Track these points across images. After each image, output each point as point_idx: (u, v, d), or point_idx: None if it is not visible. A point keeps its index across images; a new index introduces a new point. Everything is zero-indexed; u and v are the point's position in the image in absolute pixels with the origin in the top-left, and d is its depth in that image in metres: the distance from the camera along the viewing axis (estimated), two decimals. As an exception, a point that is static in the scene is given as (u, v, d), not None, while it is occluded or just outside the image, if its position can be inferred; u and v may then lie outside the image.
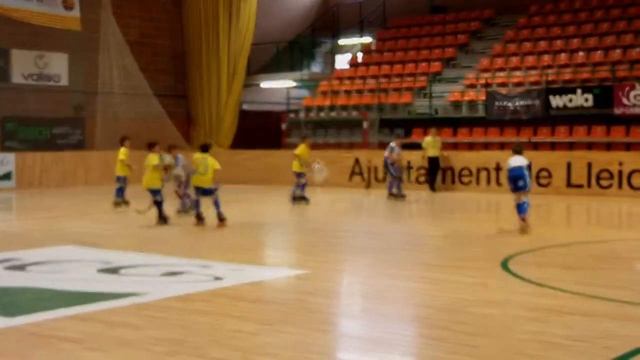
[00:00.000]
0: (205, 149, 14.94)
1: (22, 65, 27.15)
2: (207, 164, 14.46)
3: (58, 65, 28.03)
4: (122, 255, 11.32)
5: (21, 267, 10.29)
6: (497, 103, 25.03)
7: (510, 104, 24.75)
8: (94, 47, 27.90)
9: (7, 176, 25.15)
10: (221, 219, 14.45)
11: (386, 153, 20.77)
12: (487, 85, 26.03)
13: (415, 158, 23.48)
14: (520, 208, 13.43)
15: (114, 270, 10.00)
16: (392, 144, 20.82)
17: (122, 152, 18.30)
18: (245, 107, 32.70)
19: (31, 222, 16.47)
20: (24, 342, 6.59)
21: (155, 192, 15.09)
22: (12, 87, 26.91)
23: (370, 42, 33.36)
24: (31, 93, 27.37)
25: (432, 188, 23.26)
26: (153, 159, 15.32)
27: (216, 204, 14.48)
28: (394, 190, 20.57)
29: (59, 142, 27.85)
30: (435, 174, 23.38)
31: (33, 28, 26.23)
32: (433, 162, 23.26)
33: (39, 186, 25.56)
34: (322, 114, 28.54)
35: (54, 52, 27.80)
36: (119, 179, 18.18)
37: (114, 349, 6.40)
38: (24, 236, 14.15)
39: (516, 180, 13.37)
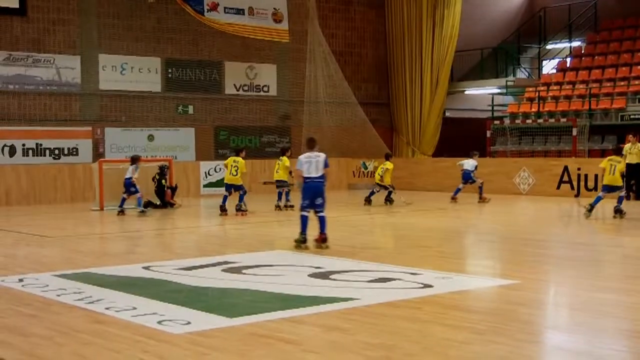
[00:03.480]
0: (237, 153, 19.31)
1: (234, 76, 28.51)
2: (238, 167, 18.76)
3: (267, 75, 29.20)
4: (332, 261, 11.58)
5: (238, 270, 10.78)
6: None
7: None
8: (301, 58, 28.80)
9: (220, 182, 26.33)
10: (240, 210, 18.96)
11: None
12: None
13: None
14: None
15: (324, 275, 10.26)
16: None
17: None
18: (448, 114, 32.58)
19: (243, 227, 17.20)
20: (245, 342, 6.90)
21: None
22: (225, 98, 28.30)
23: (580, 46, 32.24)
24: (242, 103, 28.68)
25: (628, 197, 22.28)
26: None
27: (240, 198, 19.04)
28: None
29: (267, 150, 28.92)
30: (637, 182, 22.31)
31: (244, 40, 27.50)
32: (633, 169, 22.22)
33: (249, 192, 26.59)
34: (528, 121, 27.86)
35: (264, 63, 28.95)
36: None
37: (328, 352, 6.56)
38: (238, 240, 14.82)
39: None
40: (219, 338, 7.02)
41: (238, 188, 19.30)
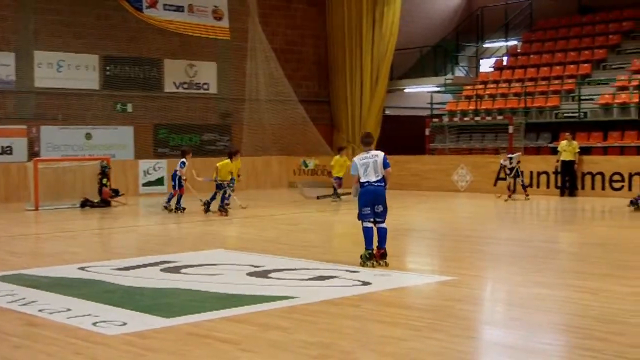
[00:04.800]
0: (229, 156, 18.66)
1: (174, 74, 28.25)
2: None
3: (207, 73, 29.00)
4: (271, 259, 11.56)
5: (176, 270, 10.69)
6: (651, 105, 24.02)
7: (665, 107, 23.72)
8: (242, 56, 28.69)
9: (160, 181, 26.22)
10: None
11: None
12: (640, 87, 25.03)
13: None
14: None
15: (263, 274, 10.23)
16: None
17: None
18: (388, 112, 32.77)
19: (184, 226, 17.08)
20: (182, 342, 6.84)
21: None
22: (164, 96, 28.04)
23: (516, 45, 32.74)
24: (182, 101, 28.44)
25: (562, 193, 22.88)
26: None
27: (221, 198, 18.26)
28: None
29: (208, 148, 28.74)
30: (571, 179, 22.84)
31: (184, 38, 27.27)
32: (567, 166, 22.74)
33: (189, 190, 26.41)
34: (466, 119, 28.19)
35: (204, 61, 28.76)
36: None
37: (266, 351, 6.54)
38: (177, 239, 14.71)
39: None
40: (155, 339, 6.95)
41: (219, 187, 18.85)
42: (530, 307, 8.30)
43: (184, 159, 19.54)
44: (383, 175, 10.77)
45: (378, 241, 10.79)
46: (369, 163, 10.80)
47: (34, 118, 25.37)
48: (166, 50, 27.79)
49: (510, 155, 22.21)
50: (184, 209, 19.43)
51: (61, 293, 9.05)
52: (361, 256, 10.80)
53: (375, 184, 10.71)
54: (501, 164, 22.56)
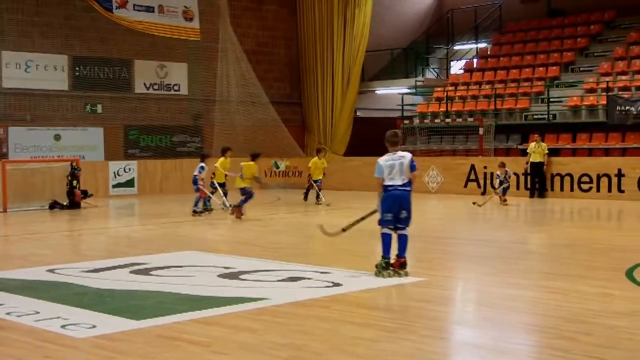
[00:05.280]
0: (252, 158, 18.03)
1: (144, 75, 28.08)
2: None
3: (178, 74, 28.87)
4: (242, 261, 11.52)
5: (146, 272, 10.61)
6: (618, 107, 24.29)
7: (632, 108, 23.99)
8: (213, 57, 28.58)
9: (130, 183, 26.07)
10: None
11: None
12: (608, 89, 25.28)
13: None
14: None
15: (234, 276, 10.19)
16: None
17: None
18: (359, 113, 32.83)
19: (154, 228, 16.97)
20: (152, 344, 6.79)
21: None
22: (135, 97, 27.87)
23: (486, 47, 32.95)
24: (152, 102, 28.28)
25: (532, 194, 23.06)
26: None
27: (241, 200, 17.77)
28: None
29: (179, 150, 28.62)
30: (540, 180, 23.02)
31: (154, 39, 27.13)
32: (536, 167, 22.94)
33: (160, 192, 26.36)
34: (436, 120, 28.31)
35: (174, 62, 28.62)
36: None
37: (236, 353, 6.52)
38: (147, 241, 14.61)
39: None
40: (125, 341, 6.89)
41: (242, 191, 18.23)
42: (500, 307, 8.34)
43: (203, 163, 18.99)
44: (409, 179, 9.94)
45: (398, 249, 9.99)
46: (394, 165, 9.91)
47: (2, 119, 25.10)
48: (136, 51, 27.61)
49: (507, 170, 21.44)
50: (211, 209, 19.11)
51: (29, 295, 8.95)
52: (377, 265, 9.96)
53: (401, 189, 9.87)
54: (497, 175, 21.61)
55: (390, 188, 9.89)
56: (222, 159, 19.25)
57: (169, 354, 6.47)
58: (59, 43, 26.12)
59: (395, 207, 9.87)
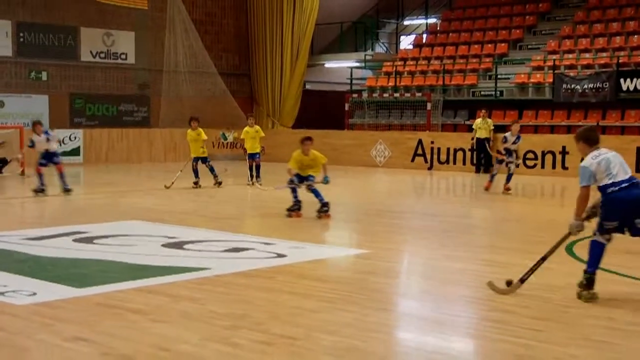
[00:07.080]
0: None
1: (90, 43, 27.63)
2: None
3: (125, 43, 28.46)
4: (186, 231, 11.47)
5: (89, 240, 10.51)
6: (564, 86, 24.63)
7: (578, 87, 24.35)
8: (160, 26, 28.25)
9: (75, 151, 25.73)
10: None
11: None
12: (554, 67, 25.60)
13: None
14: None
15: (178, 245, 10.15)
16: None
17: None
18: (308, 86, 32.78)
19: (98, 197, 16.79)
20: (92, 312, 6.75)
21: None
22: (81, 65, 27.43)
23: (435, 23, 33.07)
24: (99, 71, 27.86)
25: (478, 170, 23.37)
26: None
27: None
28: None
29: (125, 119, 28.29)
30: (486, 156, 23.31)
31: (101, 6, 26.66)
32: (481, 143, 23.20)
33: (105, 162, 26.06)
34: (385, 95, 28.40)
35: (121, 30, 28.20)
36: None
37: (177, 321, 6.50)
38: (92, 210, 14.45)
39: None
40: (65, 309, 6.83)
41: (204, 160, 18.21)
42: (442, 280, 8.45)
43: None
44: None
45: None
46: (609, 159, 7.57)
47: (-57, 84, 24.52)
48: (82, 19, 27.15)
49: (519, 135, 18.10)
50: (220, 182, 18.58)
51: (-33, 263, 8.81)
52: (580, 283, 7.49)
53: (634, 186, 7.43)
54: (505, 138, 18.12)
55: (615, 189, 7.46)
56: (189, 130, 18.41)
57: (109, 322, 6.43)
58: (1, 9, 25.52)
59: (629, 213, 7.42)
